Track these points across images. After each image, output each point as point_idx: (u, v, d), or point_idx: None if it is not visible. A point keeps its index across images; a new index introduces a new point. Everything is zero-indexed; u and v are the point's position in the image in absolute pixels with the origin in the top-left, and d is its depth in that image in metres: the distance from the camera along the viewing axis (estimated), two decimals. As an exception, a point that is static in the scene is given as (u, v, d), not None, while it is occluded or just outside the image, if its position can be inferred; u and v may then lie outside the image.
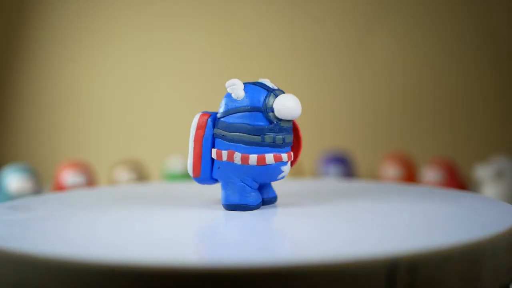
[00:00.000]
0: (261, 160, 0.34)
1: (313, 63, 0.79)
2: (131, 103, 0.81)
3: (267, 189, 0.36)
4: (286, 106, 0.33)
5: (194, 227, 0.32)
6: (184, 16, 0.81)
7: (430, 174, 0.61)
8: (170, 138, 0.73)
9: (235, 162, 0.34)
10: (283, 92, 0.34)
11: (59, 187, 0.60)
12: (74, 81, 0.82)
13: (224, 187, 0.35)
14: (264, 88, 0.34)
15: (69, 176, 0.60)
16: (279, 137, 0.34)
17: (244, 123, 0.34)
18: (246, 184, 0.34)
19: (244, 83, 0.34)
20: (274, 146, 0.34)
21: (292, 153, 0.35)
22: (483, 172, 0.58)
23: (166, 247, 0.27)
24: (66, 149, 0.82)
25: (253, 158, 0.34)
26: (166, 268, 0.24)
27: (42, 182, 0.63)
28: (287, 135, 0.34)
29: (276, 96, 0.34)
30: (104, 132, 0.82)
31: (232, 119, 0.34)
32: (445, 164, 0.61)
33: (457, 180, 0.61)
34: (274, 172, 0.34)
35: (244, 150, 0.34)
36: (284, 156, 0.34)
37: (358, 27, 0.78)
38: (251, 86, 0.34)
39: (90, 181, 0.61)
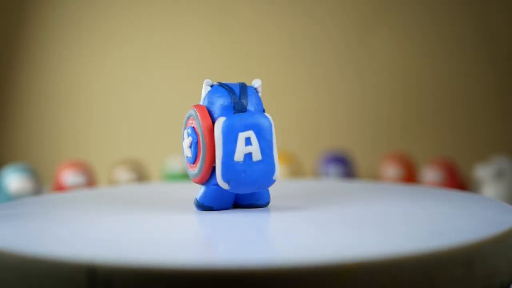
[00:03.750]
0: None
1: (313, 63, 0.79)
2: (131, 103, 0.81)
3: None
4: None
5: (194, 228, 0.32)
6: (184, 16, 0.81)
7: (430, 174, 0.61)
8: (170, 138, 0.73)
9: None
10: None
11: (59, 187, 0.60)
12: (74, 81, 0.82)
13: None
14: None
15: (69, 176, 0.60)
16: None
17: None
18: None
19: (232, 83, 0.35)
20: None
21: None
22: (483, 172, 0.58)
23: (166, 248, 0.27)
24: (66, 149, 0.82)
25: None
26: (166, 270, 0.24)
27: (42, 182, 0.63)
28: None
29: None
30: (104, 132, 0.82)
31: None
32: (445, 164, 0.61)
33: (457, 180, 0.61)
34: None
35: None
36: None
37: (358, 27, 0.78)
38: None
39: (90, 181, 0.61)
